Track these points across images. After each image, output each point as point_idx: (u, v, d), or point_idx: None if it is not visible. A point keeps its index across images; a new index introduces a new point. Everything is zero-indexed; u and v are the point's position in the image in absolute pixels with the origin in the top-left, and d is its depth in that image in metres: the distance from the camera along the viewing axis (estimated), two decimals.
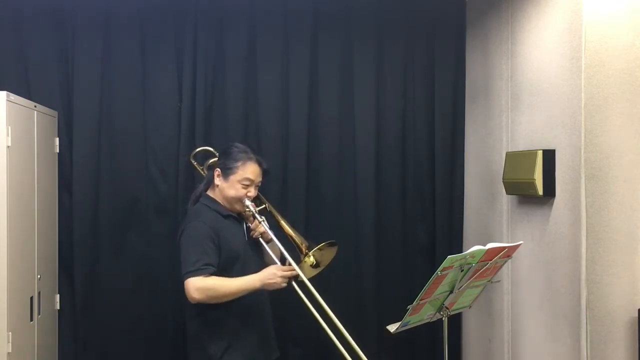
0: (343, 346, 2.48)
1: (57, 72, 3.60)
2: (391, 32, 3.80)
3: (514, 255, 2.62)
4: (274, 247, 2.78)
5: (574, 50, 2.64)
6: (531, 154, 2.87)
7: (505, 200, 3.29)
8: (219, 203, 2.73)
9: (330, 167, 3.77)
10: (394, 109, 3.82)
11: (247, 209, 2.71)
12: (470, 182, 3.77)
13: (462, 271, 2.41)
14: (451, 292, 2.49)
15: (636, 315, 2.54)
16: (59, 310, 3.59)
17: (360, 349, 2.46)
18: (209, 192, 2.78)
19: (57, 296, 3.57)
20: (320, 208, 3.75)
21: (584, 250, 2.56)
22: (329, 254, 2.89)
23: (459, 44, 3.83)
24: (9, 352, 2.81)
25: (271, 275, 2.57)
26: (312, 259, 2.81)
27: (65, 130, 3.60)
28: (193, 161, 3.29)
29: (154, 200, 3.65)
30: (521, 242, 2.72)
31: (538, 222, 2.94)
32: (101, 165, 3.60)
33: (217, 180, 2.73)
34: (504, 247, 2.49)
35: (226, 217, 2.71)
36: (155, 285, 3.62)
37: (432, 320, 2.64)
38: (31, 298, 3.14)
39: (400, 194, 3.82)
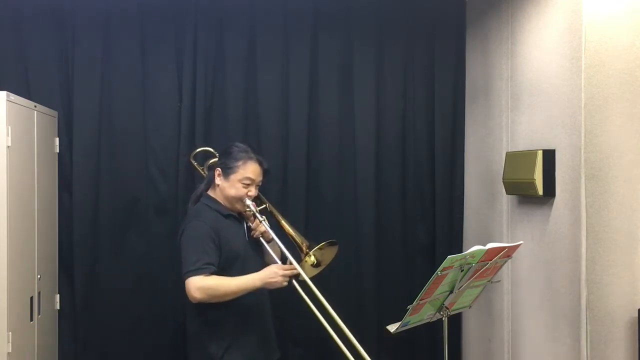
0: (345, 345, 2.48)
1: (57, 72, 3.60)
2: (391, 32, 3.80)
3: (514, 255, 2.63)
4: (274, 247, 2.78)
5: (574, 50, 2.64)
6: (531, 154, 2.87)
7: (505, 200, 3.29)
8: (220, 203, 2.73)
9: (330, 167, 3.77)
10: (394, 109, 3.82)
11: (248, 209, 2.71)
12: (470, 182, 3.77)
13: (462, 271, 2.41)
14: (451, 292, 2.49)
15: (636, 315, 2.55)
16: (59, 310, 3.59)
17: (354, 347, 2.45)
18: (210, 192, 2.78)
19: (57, 296, 3.57)
20: (320, 208, 3.75)
21: (584, 250, 2.56)
22: (330, 253, 2.89)
23: (459, 44, 3.83)
24: (9, 352, 2.81)
25: (272, 274, 2.58)
26: (312, 258, 2.81)
27: (65, 130, 3.60)
28: (193, 161, 3.29)
29: (154, 200, 3.65)
30: (521, 242, 2.72)
31: (538, 222, 2.94)
32: (101, 165, 3.60)
33: (218, 180, 2.73)
34: (504, 247, 2.49)
35: (227, 216, 2.71)
36: (155, 285, 3.62)
37: (432, 320, 2.64)
38: (31, 298, 3.14)
39: (400, 194, 3.82)
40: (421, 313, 2.51)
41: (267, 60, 3.71)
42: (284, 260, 2.72)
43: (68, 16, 3.59)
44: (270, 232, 2.75)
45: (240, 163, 2.70)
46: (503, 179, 3.17)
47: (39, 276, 3.24)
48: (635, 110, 2.58)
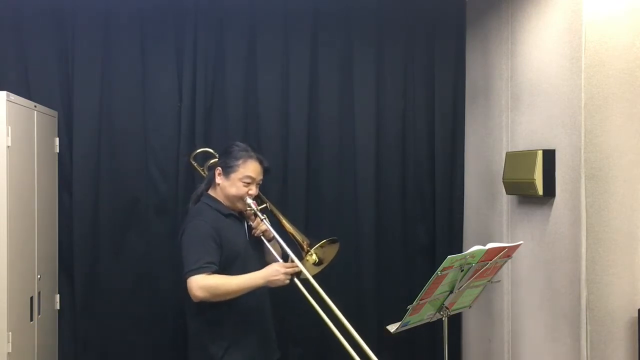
0: (348, 342, 2.46)
1: (57, 72, 3.60)
2: (391, 32, 3.80)
3: (514, 255, 2.62)
4: (275, 246, 2.78)
5: (574, 50, 2.64)
6: (531, 154, 2.87)
7: (505, 200, 3.29)
8: (220, 202, 2.73)
9: (330, 167, 3.77)
10: (394, 109, 3.82)
11: (249, 208, 2.71)
12: (470, 182, 3.77)
13: (462, 271, 2.41)
14: (451, 292, 2.49)
15: (636, 315, 2.55)
16: (59, 310, 3.59)
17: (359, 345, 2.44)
18: (210, 192, 2.78)
19: (57, 296, 3.57)
20: (320, 208, 3.75)
21: (584, 250, 2.56)
22: (331, 251, 2.88)
23: (459, 44, 3.83)
24: (9, 352, 2.81)
25: (275, 272, 2.57)
26: (314, 257, 2.80)
27: (65, 130, 3.60)
28: (193, 162, 3.29)
29: (154, 200, 3.65)
30: (521, 242, 2.72)
31: (538, 222, 2.94)
32: (101, 165, 3.60)
33: (218, 179, 2.73)
34: (504, 247, 2.49)
35: (227, 216, 2.71)
36: (155, 285, 3.62)
37: (432, 320, 2.64)
38: (31, 298, 3.14)
39: (400, 194, 3.82)
40: (421, 313, 2.51)
41: (267, 60, 3.71)
42: (285, 258, 2.72)
43: (68, 16, 3.59)
44: (272, 230, 2.75)
45: (240, 162, 2.70)
46: (503, 179, 3.17)
47: (39, 276, 3.24)
48: (635, 110, 2.58)
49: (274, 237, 2.76)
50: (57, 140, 3.58)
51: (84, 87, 3.58)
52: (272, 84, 3.72)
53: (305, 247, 2.79)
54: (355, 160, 3.76)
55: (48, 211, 3.43)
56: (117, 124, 3.63)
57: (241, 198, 2.70)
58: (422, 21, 3.82)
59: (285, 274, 2.58)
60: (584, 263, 2.56)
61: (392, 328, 2.51)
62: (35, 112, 3.22)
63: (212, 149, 3.22)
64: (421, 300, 2.40)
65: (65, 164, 3.60)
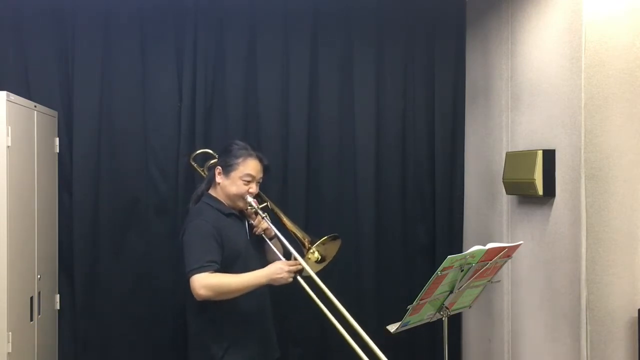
0: (352, 338, 2.46)
1: (57, 72, 3.60)
2: (391, 32, 3.80)
3: (514, 255, 2.62)
4: (277, 244, 2.78)
5: (574, 50, 2.64)
6: (531, 154, 2.87)
7: (505, 200, 3.29)
8: (221, 201, 2.73)
9: (330, 167, 3.77)
10: (394, 109, 3.82)
11: (250, 206, 2.71)
12: (470, 182, 3.77)
13: (462, 271, 2.41)
14: (451, 292, 2.49)
15: (636, 315, 2.55)
16: (59, 310, 3.59)
17: (366, 343, 2.42)
18: (211, 191, 2.78)
19: (57, 296, 3.57)
20: (320, 208, 3.75)
21: (584, 250, 2.56)
22: (333, 248, 2.87)
23: (459, 44, 3.83)
24: (9, 352, 2.81)
25: (278, 270, 2.57)
26: (316, 254, 2.80)
27: (65, 130, 3.60)
28: (193, 163, 3.29)
29: (154, 200, 3.65)
30: (521, 242, 2.72)
31: (538, 222, 2.94)
32: (101, 165, 3.60)
33: (219, 178, 2.73)
34: (504, 247, 2.49)
35: (228, 215, 2.71)
36: (155, 285, 3.62)
37: (432, 320, 2.64)
38: (31, 298, 3.14)
39: (400, 194, 3.82)
40: (421, 313, 2.51)
41: (267, 60, 3.71)
42: (287, 257, 2.72)
43: (68, 16, 3.59)
44: (273, 228, 2.75)
45: (240, 160, 2.70)
46: (503, 179, 3.17)
47: (39, 276, 3.24)
48: (635, 110, 2.58)
49: (275, 236, 2.76)
50: (57, 140, 3.58)
51: (84, 87, 3.58)
52: (272, 84, 3.72)
53: (306, 244, 2.78)
54: (355, 160, 3.76)
55: (48, 211, 3.43)
56: (117, 124, 3.63)
57: (242, 196, 2.70)
58: (422, 21, 3.82)
59: (289, 272, 2.58)
60: (584, 263, 2.56)
61: (392, 328, 2.51)
62: (35, 112, 3.22)
63: (212, 150, 3.22)
64: (421, 300, 2.40)
65: (65, 164, 3.60)
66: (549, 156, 2.80)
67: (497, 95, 3.40)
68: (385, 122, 3.81)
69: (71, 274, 3.60)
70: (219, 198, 2.74)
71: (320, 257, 2.82)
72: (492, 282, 2.69)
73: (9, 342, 2.82)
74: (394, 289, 3.76)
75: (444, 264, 2.29)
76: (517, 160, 3.03)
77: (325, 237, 2.80)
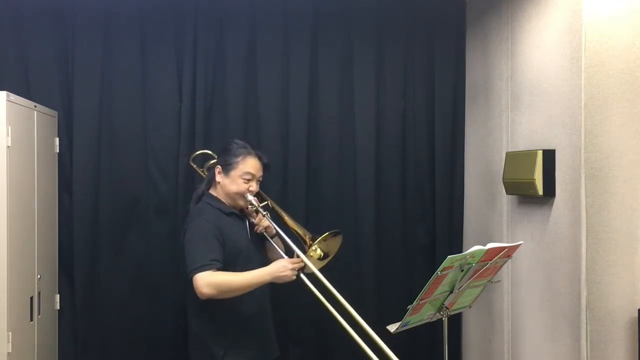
0: (357, 334, 2.45)
1: (57, 72, 3.60)
2: (391, 32, 3.80)
3: (514, 255, 2.62)
4: (278, 242, 2.78)
5: (574, 50, 2.64)
6: (531, 154, 2.87)
7: (505, 200, 3.29)
8: (222, 201, 2.73)
9: (330, 167, 3.77)
10: (394, 109, 3.82)
11: (251, 204, 2.71)
12: (470, 182, 3.77)
13: (462, 271, 2.41)
14: (451, 292, 2.49)
15: (636, 315, 2.55)
16: (59, 310, 3.59)
17: (371, 338, 2.41)
18: (211, 191, 2.78)
19: (57, 296, 3.57)
20: (320, 208, 3.75)
21: (584, 250, 2.56)
22: (335, 244, 2.87)
23: (459, 44, 3.83)
24: (9, 352, 2.81)
25: (282, 267, 2.57)
26: (318, 251, 2.79)
27: (65, 130, 3.60)
28: (192, 164, 3.28)
29: (154, 200, 3.65)
30: (521, 242, 2.72)
31: (538, 222, 2.94)
32: (101, 165, 3.60)
33: (219, 178, 2.73)
34: (504, 247, 2.49)
35: (229, 214, 2.71)
36: (155, 285, 3.62)
37: (432, 320, 2.64)
38: (31, 298, 3.14)
39: (400, 194, 3.82)
40: (421, 313, 2.51)
41: (267, 60, 3.71)
42: (288, 254, 2.72)
43: (68, 16, 3.59)
44: (274, 225, 2.75)
45: (239, 159, 2.70)
46: (503, 179, 3.17)
47: (39, 276, 3.24)
48: (635, 110, 2.58)
49: (276, 234, 2.76)
50: (57, 140, 3.58)
51: (84, 87, 3.58)
52: (272, 84, 3.72)
53: (308, 241, 2.78)
54: (355, 160, 3.76)
55: (48, 211, 3.43)
56: (117, 124, 3.63)
57: (242, 195, 2.70)
58: (422, 21, 3.82)
59: (292, 269, 2.57)
60: (584, 263, 2.56)
61: (392, 328, 2.51)
62: (35, 112, 3.22)
63: (211, 151, 3.22)
64: (421, 300, 2.40)
65: (65, 164, 3.60)
66: (549, 156, 2.80)
67: (497, 95, 3.40)
68: (385, 122, 3.81)
69: (71, 274, 3.60)
70: (220, 197, 2.74)
71: (322, 254, 2.82)
72: (492, 282, 2.69)
73: (9, 342, 2.82)
74: (394, 289, 3.76)
75: (444, 264, 2.29)
76: (517, 160, 3.03)
77: (327, 234, 2.79)
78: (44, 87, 3.57)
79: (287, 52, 3.74)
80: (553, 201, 2.80)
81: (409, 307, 2.40)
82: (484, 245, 2.43)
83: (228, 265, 2.59)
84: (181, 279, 3.45)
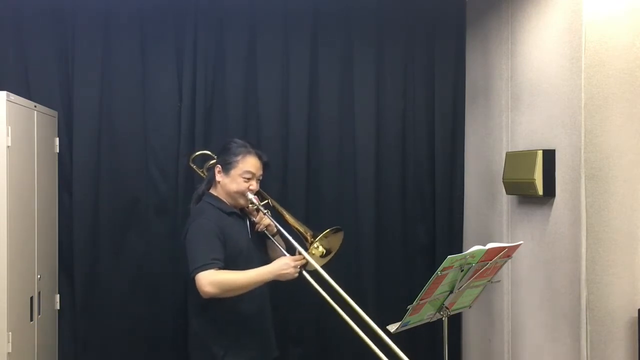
0: (362, 330, 2.45)
1: (57, 72, 3.60)
2: (391, 32, 3.80)
3: (514, 255, 2.62)
4: (279, 241, 2.78)
5: (574, 50, 2.64)
6: (531, 154, 2.87)
7: (505, 200, 3.29)
8: (222, 201, 2.73)
9: (330, 167, 3.77)
10: (394, 109, 3.82)
11: (251, 203, 2.71)
12: (470, 182, 3.77)
13: (462, 271, 2.41)
14: (451, 292, 2.49)
15: (636, 315, 2.55)
16: (59, 310, 3.59)
17: (375, 333, 2.41)
18: (212, 191, 2.78)
19: (57, 296, 3.57)
20: (320, 208, 3.75)
21: (584, 250, 2.56)
22: (336, 241, 2.86)
23: (459, 44, 3.83)
24: (9, 352, 2.81)
25: (285, 265, 2.56)
26: (320, 248, 2.79)
27: (65, 130, 3.60)
28: (192, 165, 3.28)
29: (154, 200, 3.65)
30: (521, 242, 2.72)
31: (538, 222, 2.94)
32: (101, 165, 3.60)
33: (219, 177, 2.73)
34: (504, 247, 2.49)
35: (229, 214, 2.71)
36: (155, 285, 3.62)
37: (432, 320, 2.64)
38: (31, 298, 3.14)
39: (400, 194, 3.82)
40: (421, 313, 2.51)
41: (267, 60, 3.71)
42: (290, 252, 2.71)
43: (68, 16, 3.59)
44: (276, 224, 2.75)
45: (239, 157, 2.70)
46: (503, 179, 3.17)
47: (39, 276, 3.24)
48: (635, 110, 2.58)
49: (277, 232, 2.76)
50: (57, 140, 3.58)
51: (84, 87, 3.58)
52: (272, 84, 3.72)
53: (309, 238, 2.78)
54: (355, 160, 3.76)
55: (48, 211, 3.43)
56: (117, 124, 3.63)
57: (242, 194, 2.70)
58: (422, 21, 3.82)
59: (295, 266, 2.57)
60: (584, 263, 2.56)
61: (392, 328, 2.51)
62: (35, 112, 3.22)
63: (211, 151, 3.21)
64: (421, 300, 2.40)
65: (65, 164, 3.60)
66: (549, 156, 2.80)
67: (497, 95, 3.40)
68: (385, 122, 3.81)
69: (71, 274, 3.60)
70: (220, 197, 2.74)
71: (324, 251, 2.81)
72: (492, 282, 2.69)
73: (9, 342, 2.82)
74: (394, 289, 3.76)
75: (444, 264, 2.29)
76: (517, 160, 3.03)
77: (328, 230, 2.79)
78: (44, 87, 3.57)
79: (287, 52, 3.74)
80: (553, 201, 2.80)
81: (409, 307, 2.40)
82: (484, 245, 2.43)
83: (229, 264, 2.59)
84: (181, 279, 3.46)
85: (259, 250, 2.80)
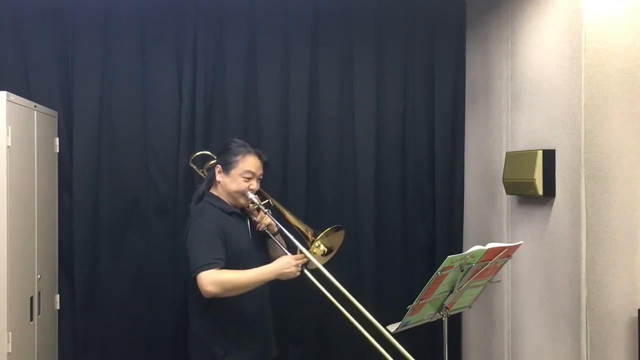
0: (364, 328, 2.45)
1: (57, 72, 3.60)
2: (391, 32, 3.80)
3: (514, 255, 2.62)
4: (280, 240, 2.78)
5: (574, 50, 2.64)
6: (531, 154, 2.87)
7: (505, 200, 3.29)
8: (223, 200, 2.73)
9: (330, 167, 3.77)
10: (394, 109, 3.82)
11: (252, 203, 2.71)
12: (470, 182, 3.77)
13: (462, 271, 2.41)
14: (451, 292, 2.49)
15: (636, 315, 2.55)
16: (59, 310, 3.59)
17: (379, 330, 2.41)
18: (212, 191, 2.78)
19: (57, 296, 3.57)
20: (320, 208, 3.75)
21: (584, 250, 2.56)
22: (337, 239, 2.86)
23: (459, 44, 3.83)
24: (9, 352, 2.81)
25: (286, 264, 2.56)
26: (321, 247, 2.79)
27: (65, 130, 3.60)
28: (192, 165, 3.28)
29: (154, 200, 3.65)
30: (521, 242, 2.72)
31: (538, 222, 2.94)
32: (101, 165, 3.60)
33: (219, 177, 2.73)
34: (504, 247, 2.49)
35: (230, 214, 2.71)
36: (155, 285, 3.62)
37: (432, 320, 2.64)
38: (31, 298, 3.14)
39: (400, 194, 3.82)
40: (421, 313, 2.51)
41: (267, 60, 3.71)
42: (291, 251, 2.71)
43: (68, 16, 3.59)
44: (276, 222, 2.75)
45: (239, 157, 2.70)
46: (503, 179, 3.17)
47: (39, 276, 3.24)
48: (635, 110, 2.58)
49: (278, 231, 2.76)
50: (57, 140, 3.58)
51: (84, 87, 3.58)
52: (272, 84, 3.72)
53: (310, 237, 2.78)
54: (355, 160, 3.76)
55: (48, 211, 3.43)
56: (117, 124, 3.63)
57: (243, 193, 2.70)
58: (422, 21, 3.82)
59: (297, 265, 2.57)
60: (584, 263, 2.56)
61: (392, 328, 2.51)
62: (35, 112, 3.22)
63: (210, 151, 3.21)
64: (421, 300, 2.39)
65: (65, 164, 3.60)
66: (549, 156, 2.80)
67: (497, 95, 3.40)
68: (385, 122, 3.81)
69: (71, 274, 3.60)
70: (221, 197, 2.74)
71: (325, 250, 2.81)
72: (492, 282, 2.69)
73: (9, 342, 2.82)
74: (394, 289, 3.75)
75: (444, 264, 2.29)
76: (517, 160, 3.03)
77: (329, 229, 2.79)
78: (44, 87, 3.57)
79: (287, 52, 3.74)
80: (553, 201, 2.80)
81: (409, 307, 2.40)
82: (484, 245, 2.43)
83: (230, 264, 2.59)
84: (181, 279, 3.46)
85: (260, 250, 2.80)
